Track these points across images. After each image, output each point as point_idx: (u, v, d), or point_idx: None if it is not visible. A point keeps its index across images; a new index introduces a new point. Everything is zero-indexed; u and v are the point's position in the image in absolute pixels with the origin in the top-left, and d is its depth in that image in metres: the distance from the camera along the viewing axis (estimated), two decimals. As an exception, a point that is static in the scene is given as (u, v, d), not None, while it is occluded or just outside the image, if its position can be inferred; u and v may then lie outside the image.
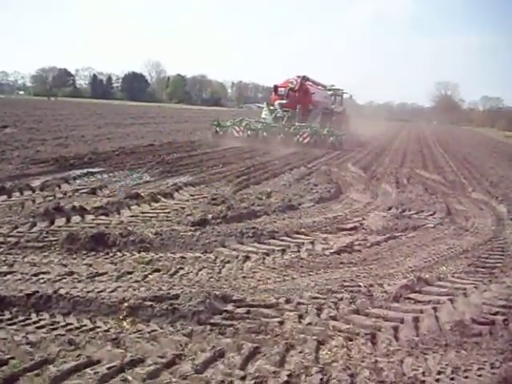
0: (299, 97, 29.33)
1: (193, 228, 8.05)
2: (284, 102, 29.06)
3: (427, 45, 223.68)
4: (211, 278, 6.30)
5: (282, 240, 8.09)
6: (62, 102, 77.19)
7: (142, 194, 10.57)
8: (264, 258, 7.18)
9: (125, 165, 15.03)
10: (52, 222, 8.14)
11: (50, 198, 10.08)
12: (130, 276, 6.11)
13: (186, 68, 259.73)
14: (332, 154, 23.47)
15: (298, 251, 7.66)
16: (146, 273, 6.26)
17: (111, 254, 6.86)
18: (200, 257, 7.00)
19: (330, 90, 36.31)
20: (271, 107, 29.81)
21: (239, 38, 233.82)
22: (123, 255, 6.86)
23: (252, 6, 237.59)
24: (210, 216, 9.19)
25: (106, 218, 8.75)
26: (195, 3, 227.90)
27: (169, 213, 9.59)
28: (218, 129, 26.63)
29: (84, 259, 6.64)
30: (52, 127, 26.78)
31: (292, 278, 6.52)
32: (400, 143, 37.11)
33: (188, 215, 9.21)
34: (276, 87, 30.11)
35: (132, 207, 9.75)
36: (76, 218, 8.50)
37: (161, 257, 6.88)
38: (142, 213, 9.44)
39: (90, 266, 6.41)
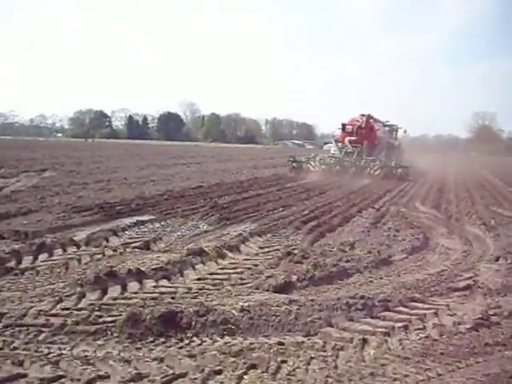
0: (366, 133, 31.76)
1: (285, 300, 6.23)
2: (353, 138, 31.53)
3: (459, 74, 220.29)
4: (328, 377, 4.53)
5: (399, 312, 6.27)
6: (100, 143, 76.98)
7: (206, 249, 8.89)
8: (386, 341, 5.38)
9: (176, 211, 13.42)
10: (105, 292, 6.48)
11: (98, 256, 8.46)
12: (219, 378, 4.39)
13: (219, 106, 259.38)
14: (393, 193, 21.68)
15: (424, 328, 5.84)
16: (240, 372, 4.51)
17: (186, 342, 5.13)
18: (303, 342, 5.22)
19: (386, 125, 37.36)
20: (339, 144, 32.37)
21: (271, 75, 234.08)
22: (202, 342, 5.12)
23: (279, 40, 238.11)
24: (294, 277, 7.48)
25: (169, 284, 7.07)
26: (226, 44, 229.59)
27: (242, 273, 7.89)
28: (294, 164, 30.04)
29: (152, 350, 4.91)
30: (92, 170, 25.48)
31: (437, 373, 4.71)
32: (455, 175, 35.18)
33: (268, 277, 7.48)
34: (344, 125, 32.53)
35: (196, 266, 8.08)
36: (133, 286, 6.82)
37: (252, 344, 5.12)
38: (210, 274, 7.75)
39: (162, 361, 4.69)
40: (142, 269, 7.49)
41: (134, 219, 11.96)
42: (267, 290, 6.99)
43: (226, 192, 18.34)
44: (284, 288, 7.10)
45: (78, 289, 6.40)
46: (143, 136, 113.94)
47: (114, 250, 8.85)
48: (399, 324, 5.83)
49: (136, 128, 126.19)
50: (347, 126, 32.32)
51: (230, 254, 9.05)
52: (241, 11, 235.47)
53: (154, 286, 6.83)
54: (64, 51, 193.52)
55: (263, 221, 12.69)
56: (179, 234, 10.81)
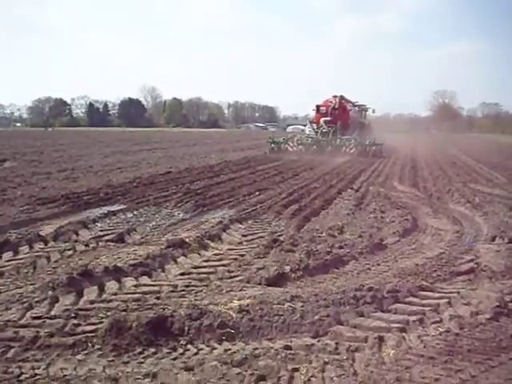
0: (339, 114, 33.58)
1: (287, 296, 5.52)
2: (328, 119, 33.16)
3: (420, 56, 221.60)
4: (349, 386, 3.92)
5: (410, 303, 5.66)
6: (60, 131, 74.95)
7: (187, 239, 8.18)
8: (404, 339, 4.76)
9: (148, 199, 12.65)
10: (80, 295, 5.73)
11: (69, 252, 7.67)
12: (226, 396, 3.73)
13: (181, 91, 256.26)
14: (368, 172, 21.25)
15: (441, 321, 5.23)
16: (249, 386, 3.88)
17: (180, 351, 4.43)
18: (313, 345, 4.57)
19: (356, 105, 39.56)
20: (313, 124, 34.12)
21: (232, 59, 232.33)
22: (199, 350, 4.44)
23: (241, 24, 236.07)
24: (287, 268, 6.85)
25: (152, 282, 6.35)
26: (186, 26, 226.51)
27: (229, 265, 7.23)
28: (273, 145, 31.12)
29: (142, 364, 4.21)
30: (55, 158, 24.36)
31: (470, 375, 4.13)
32: (423, 153, 35.08)
33: (259, 269, 6.82)
34: (318, 106, 34.51)
35: (178, 260, 7.39)
36: (112, 286, 6.08)
37: (256, 350, 4.45)
38: (195, 268, 7.06)
39: (155, 377, 4.01)
40: (119, 265, 6.76)
41: (104, 209, 11.19)
42: (259, 284, 6.39)
43: (198, 177, 17.59)
44: (277, 280, 6.52)
45: (50, 292, 5.64)
46: (104, 123, 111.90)
47: (86, 245, 8.07)
48: (414, 317, 5.23)
49: (97, 115, 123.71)
50: (321, 108, 34.15)
51: (212, 244, 8.38)
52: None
53: (135, 286, 6.10)
54: (20, 38, 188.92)
55: (241, 206, 12.03)
56: (154, 223, 10.09)
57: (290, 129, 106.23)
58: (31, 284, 6.11)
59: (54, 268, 6.85)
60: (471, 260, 7.75)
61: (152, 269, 6.81)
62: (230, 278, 6.66)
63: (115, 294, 5.76)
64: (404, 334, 4.85)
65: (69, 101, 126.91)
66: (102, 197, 12.72)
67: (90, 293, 5.80)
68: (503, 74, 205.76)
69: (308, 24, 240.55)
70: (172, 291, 5.88)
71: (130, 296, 5.68)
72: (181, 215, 10.93)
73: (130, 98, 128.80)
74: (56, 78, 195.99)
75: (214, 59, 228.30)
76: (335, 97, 34.50)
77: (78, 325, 4.80)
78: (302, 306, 5.16)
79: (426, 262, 7.65)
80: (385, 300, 5.55)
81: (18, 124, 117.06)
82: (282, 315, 4.95)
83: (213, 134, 75.50)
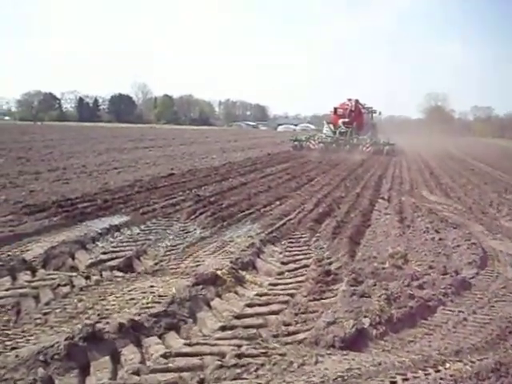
0: (355, 116, 36.24)
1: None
2: (346, 120, 35.63)
3: (412, 56, 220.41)
4: None
5: None
6: (50, 126, 72.45)
7: (219, 272, 6.28)
8: None
9: (154, 208, 10.75)
10: (86, 373, 3.85)
11: (64, 288, 5.75)
12: None
13: (171, 88, 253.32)
14: (388, 178, 19.45)
15: None
16: None
17: None
18: None
19: (365, 108, 40.63)
20: (331, 125, 36.52)
21: (224, 57, 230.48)
22: None
23: (231, 25, 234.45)
24: (366, 321, 5.01)
25: (186, 346, 4.42)
26: (175, 25, 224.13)
27: (280, 313, 5.40)
28: (296, 143, 34.47)
29: None
30: (44, 155, 22.16)
31: None
32: (432, 156, 33.49)
33: (330, 323, 4.91)
34: (335, 109, 36.97)
35: (212, 303, 5.53)
36: (131, 356, 4.14)
37: None
38: (237, 318, 5.21)
39: None
40: (135, 315, 4.88)
41: (105, 222, 9.26)
42: (332, 346, 4.55)
43: (204, 181, 15.67)
44: (356, 340, 4.69)
45: (41, 371, 3.73)
46: (94, 118, 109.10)
47: (87, 277, 6.15)
48: None
49: (86, 110, 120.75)
50: (339, 109, 36.77)
51: (248, 277, 6.54)
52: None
53: (164, 355, 4.15)
54: (11, 32, 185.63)
55: (265, 220, 10.18)
56: (168, 243, 8.22)
57: (280, 128, 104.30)
58: (12, 348, 4.20)
59: (44, 315, 4.96)
60: None
61: (180, 319, 4.95)
62: (289, 335, 4.85)
63: (138, 374, 3.84)
64: None
65: (58, 95, 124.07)
66: (101, 204, 10.76)
67: (100, 370, 3.90)
68: (495, 76, 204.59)
69: (297, 24, 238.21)
70: (220, 366, 3.96)
71: (160, 377, 3.76)
72: (198, 231, 9.05)
73: (120, 94, 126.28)
74: (46, 72, 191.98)
75: (205, 57, 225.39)
76: (350, 100, 37.02)
77: None
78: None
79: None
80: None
81: (7, 117, 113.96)
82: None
83: (206, 131, 73.34)
